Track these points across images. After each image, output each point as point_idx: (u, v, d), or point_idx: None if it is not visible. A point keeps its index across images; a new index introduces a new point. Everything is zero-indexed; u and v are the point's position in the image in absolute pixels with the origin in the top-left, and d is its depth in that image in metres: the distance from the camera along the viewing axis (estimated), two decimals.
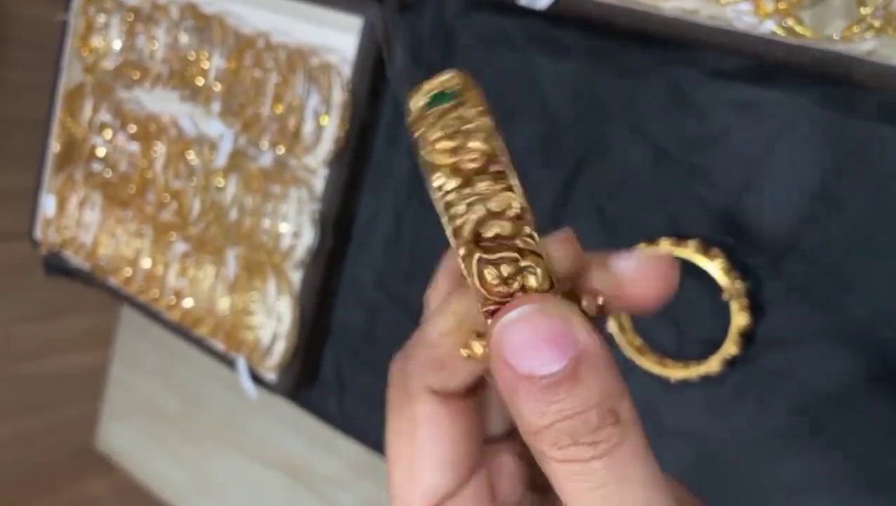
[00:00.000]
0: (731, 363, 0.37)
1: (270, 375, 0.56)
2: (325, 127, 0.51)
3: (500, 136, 0.15)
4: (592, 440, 0.13)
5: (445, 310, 0.16)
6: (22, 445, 0.92)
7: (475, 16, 0.46)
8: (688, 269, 0.38)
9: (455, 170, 0.15)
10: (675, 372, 0.38)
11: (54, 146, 0.68)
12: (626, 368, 0.40)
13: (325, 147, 0.51)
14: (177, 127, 0.60)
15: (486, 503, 0.17)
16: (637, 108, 0.40)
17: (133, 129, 0.62)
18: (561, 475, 0.14)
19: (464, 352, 0.15)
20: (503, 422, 0.17)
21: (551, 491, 0.15)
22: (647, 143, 0.40)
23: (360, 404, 0.53)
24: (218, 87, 0.56)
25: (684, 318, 0.39)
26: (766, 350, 0.37)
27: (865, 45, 0.34)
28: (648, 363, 0.39)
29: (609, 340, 0.40)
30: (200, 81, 0.57)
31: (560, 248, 0.15)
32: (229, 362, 0.57)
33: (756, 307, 0.37)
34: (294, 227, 0.53)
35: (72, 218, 0.67)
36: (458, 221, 0.14)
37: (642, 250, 0.15)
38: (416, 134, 0.15)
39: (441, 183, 0.15)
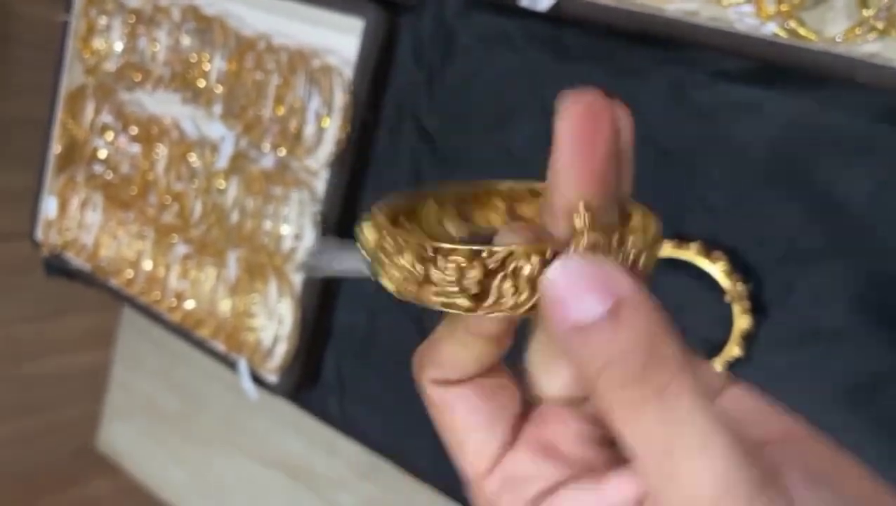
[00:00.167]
0: (733, 365, 0.37)
1: (271, 377, 0.55)
2: (326, 129, 0.51)
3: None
4: (643, 381, 0.14)
5: (449, 318, 0.17)
6: (23, 445, 0.92)
7: (475, 16, 0.46)
8: (690, 271, 0.38)
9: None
10: None
11: (55, 148, 0.68)
12: None
13: (327, 149, 0.51)
14: (178, 129, 0.60)
15: (543, 460, 0.17)
16: (638, 109, 0.40)
17: (134, 131, 0.62)
18: (618, 419, 0.14)
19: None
20: (560, 384, 0.18)
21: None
22: (649, 144, 0.40)
23: (361, 405, 0.53)
24: (219, 89, 0.56)
25: (687, 320, 0.39)
26: (768, 352, 0.37)
27: (868, 47, 0.34)
28: None
29: None
30: (202, 83, 0.57)
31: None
32: (230, 364, 0.57)
33: (758, 309, 0.37)
34: (295, 229, 0.53)
35: (73, 220, 0.67)
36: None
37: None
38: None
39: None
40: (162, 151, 0.61)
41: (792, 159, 0.37)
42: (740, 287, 0.37)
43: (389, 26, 0.49)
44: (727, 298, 0.37)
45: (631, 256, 0.16)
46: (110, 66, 0.63)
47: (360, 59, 0.49)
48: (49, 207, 0.69)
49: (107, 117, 0.64)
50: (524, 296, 0.15)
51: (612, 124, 0.15)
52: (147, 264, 0.62)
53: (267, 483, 0.82)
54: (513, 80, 0.45)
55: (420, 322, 0.49)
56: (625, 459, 0.16)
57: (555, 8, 0.41)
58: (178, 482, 0.91)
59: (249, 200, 0.55)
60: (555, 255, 0.15)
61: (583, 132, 0.15)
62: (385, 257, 0.16)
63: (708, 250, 0.38)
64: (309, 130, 0.52)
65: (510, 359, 0.18)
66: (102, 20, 0.63)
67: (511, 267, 0.15)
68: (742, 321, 0.37)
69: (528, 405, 0.18)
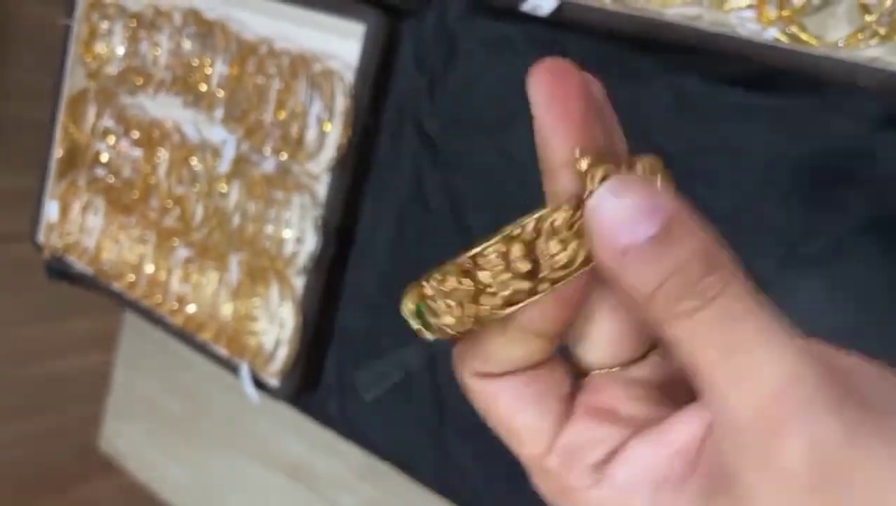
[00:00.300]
0: None
1: (273, 381, 0.56)
2: (327, 133, 0.51)
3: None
4: (699, 291, 0.14)
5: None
6: (25, 446, 0.92)
7: (477, 21, 0.46)
8: None
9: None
10: None
11: (57, 152, 0.69)
12: None
13: (328, 153, 0.51)
14: (180, 133, 0.60)
15: (602, 424, 0.17)
16: (640, 113, 0.40)
17: (136, 135, 0.62)
18: (678, 332, 0.14)
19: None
20: (605, 350, 0.18)
21: (681, 396, 0.16)
22: (650, 148, 0.40)
23: (362, 408, 0.54)
24: (221, 94, 0.56)
25: None
26: None
27: (869, 52, 0.34)
28: None
29: None
30: (203, 87, 0.57)
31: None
32: (232, 368, 0.57)
33: None
34: (297, 233, 0.53)
35: (75, 223, 0.68)
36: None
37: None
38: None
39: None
40: (163, 154, 0.61)
41: (793, 164, 0.37)
42: None
43: (391, 31, 0.49)
44: None
45: None
46: (112, 70, 0.64)
47: (362, 64, 0.49)
48: (51, 210, 0.69)
49: (108, 121, 0.64)
50: (573, 245, 0.15)
51: (578, 79, 0.16)
52: (149, 268, 0.62)
53: (268, 484, 0.83)
54: (514, 85, 0.45)
55: None
56: (683, 406, 0.16)
57: (556, 13, 0.41)
58: (180, 483, 0.92)
59: (251, 204, 0.55)
60: (580, 202, 0.15)
61: (554, 90, 0.16)
62: (432, 303, 0.16)
63: None
64: (310, 134, 0.52)
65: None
66: (104, 24, 0.63)
67: (547, 224, 0.15)
68: None
69: (576, 381, 0.18)
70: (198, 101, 0.58)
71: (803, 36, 0.35)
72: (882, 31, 0.34)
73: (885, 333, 0.35)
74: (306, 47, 0.52)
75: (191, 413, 0.90)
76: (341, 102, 0.50)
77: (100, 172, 0.66)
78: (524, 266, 0.15)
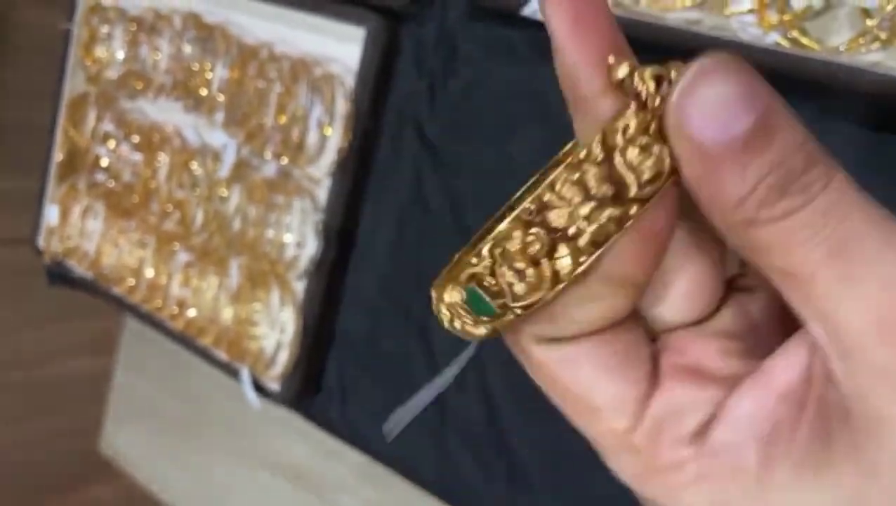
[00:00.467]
0: None
1: (273, 385, 0.55)
2: (328, 137, 0.51)
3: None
4: (803, 185, 0.12)
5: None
6: (26, 449, 0.92)
7: (478, 25, 0.46)
8: None
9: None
10: None
11: (57, 155, 0.68)
12: None
13: (329, 157, 0.51)
14: (180, 137, 0.60)
15: (696, 385, 0.15)
16: None
17: (136, 139, 0.62)
18: (778, 241, 0.13)
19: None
20: (681, 305, 0.16)
21: (771, 342, 0.14)
22: None
23: (363, 412, 0.53)
24: (221, 98, 0.56)
25: None
26: None
27: (871, 57, 0.34)
28: None
29: None
30: (204, 92, 0.57)
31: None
32: (233, 372, 0.57)
33: None
34: (297, 237, 0.53)
35: (75, 227, 0.68)
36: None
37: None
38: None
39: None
40: (164, 159, 0.61)
41: None
42: None
43: (391, 35, 0.49)
44: None
45: None
46: (112, 74, 0.64)
47: (362, 68, 0.49)
48: (51, 214, 0.69)
49: (108, 125, 0.64)
50: (656, 150, 0.13)
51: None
52: (149, 272, 0.62)
53: (269, 488, 0.82)
54: (515, 89, 0.45)
55: (424, 331, 0.49)
56: (776, 347, 0.14)
57: None
58: (181, 487, 0.91)
59: (251, 209, 0.55)
60: (642, 104, 0.13)
61: (578, 8, 0.13)
62: (490, 280, 0.13)
63: None
64: (311, 138, 0.52)
65: None
66: (104, 28, 0.63)
67: (618, 136, 0.13)
68: None
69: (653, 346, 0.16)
70: (198, 105, 0.58)
71: (804, 41, 0.35)
72: (883, 35, 0.33)
73: None
74: (307, 51, 0.52)
75: (192, 416, 0.90)
76: (342, 106, 0.50)
77: (100, 176, 0.66)
78: (607, 188, 0.13)
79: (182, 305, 0.60)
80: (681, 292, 0.15)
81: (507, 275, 0.13)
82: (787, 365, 0.14)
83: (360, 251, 0.52)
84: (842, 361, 0.13)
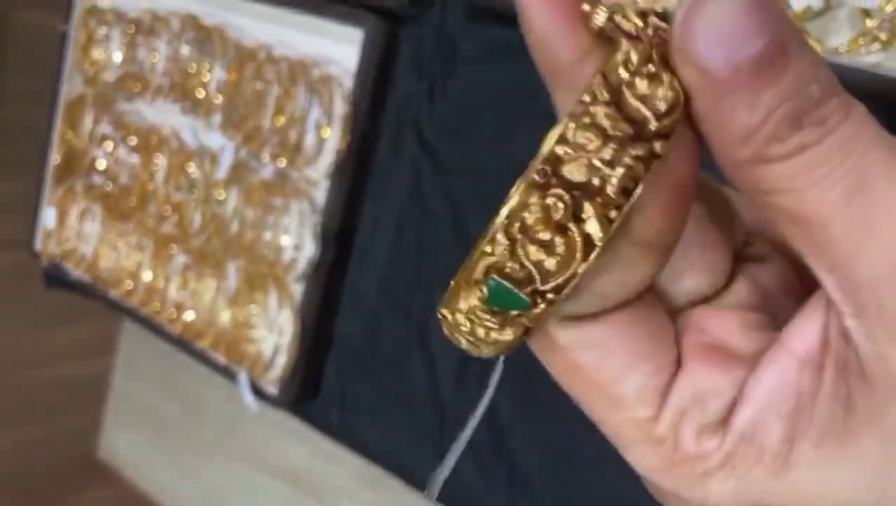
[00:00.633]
0: None
1: (272, 388, 0.55)
2: (326, 139, 0.51)
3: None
4: (820, 117, 0.11)
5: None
6: (24, 453, 0.91)
7: (477, 26, 0.46)
8: None
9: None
10: None
11: (54, 158, 0.68)
12: None
13: (327, 159, 0.51)
14: (178, 139, 0.60)
15: (720, 365, 0.14)
16: None
17: (134, 141, 0.62)
18: (790, 181, 0.11)
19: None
20: (696, 280, 0.15)
21: (790, 308, 0.13)
22: None
23: (362, 416, 0.53)
24: (219, 100, 0.56)
25: None
26: None
27: (871, 58, 0.34)
28: None
29: None
30: (201, 93, 0.57)
31: None
32: (230, 375, 0.57)
33: None
34: (295, 239, 0.53)
35: (72, 230, 0.67)
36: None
37: None
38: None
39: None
40: (161, 161, 0.60)
41: None
42: None
43: (389, 36, 0.49)
44: None
45: None
46: (109, 76, 0.63)
47: (360, 69, 0.49)
48: (48, 217, 0.68)
49: (106, 128, 0.64)
50: (665, 77, 0.11)
51: None
52: (146, 275, 0.62)
53: (268, 491, 0.82)
54: (514, 90, 0.45)
55: (423, 334, 0.49)
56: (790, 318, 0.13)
57: None
58: (180, 491, 0.91)
59: (249, 211, 0.55)
60: (634, 39, 0.12)
61: None
62: (512, 264, 0.12)
63: None
64: (309, 140, 0.52)
65: None
66: (101, 30, 0.63)
67: (621, 69, 0.11)
68: None
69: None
70: (196, 107, 0.58)
71: None
72: (883, 36, 0.33)
73: None
74: (305, 53, 0.52)
75: (191, 420, 0.90)
76: (340, 108, 0.50)
77: (97, 178, 0.65)
78: (626, 126, 0.11)
79: (180, 308, 0.60)
80: (692, 265, 0.14)
81: (532, 252, 0.12)
82: (803, 331, 0.13)
83: (359, 253, 0.52)
84: (857, 317, 0.12)
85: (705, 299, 0.15)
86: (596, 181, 0.11)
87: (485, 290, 0.12)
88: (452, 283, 0.12)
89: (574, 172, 0.11)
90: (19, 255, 0.73)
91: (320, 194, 0.52)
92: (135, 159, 0.62)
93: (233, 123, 0.55)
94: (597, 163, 0.11)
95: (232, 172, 0.56)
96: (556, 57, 0.13)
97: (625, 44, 0.12)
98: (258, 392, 0.56)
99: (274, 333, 0.55)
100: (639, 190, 0.11)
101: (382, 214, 0.51)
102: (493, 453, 0.46)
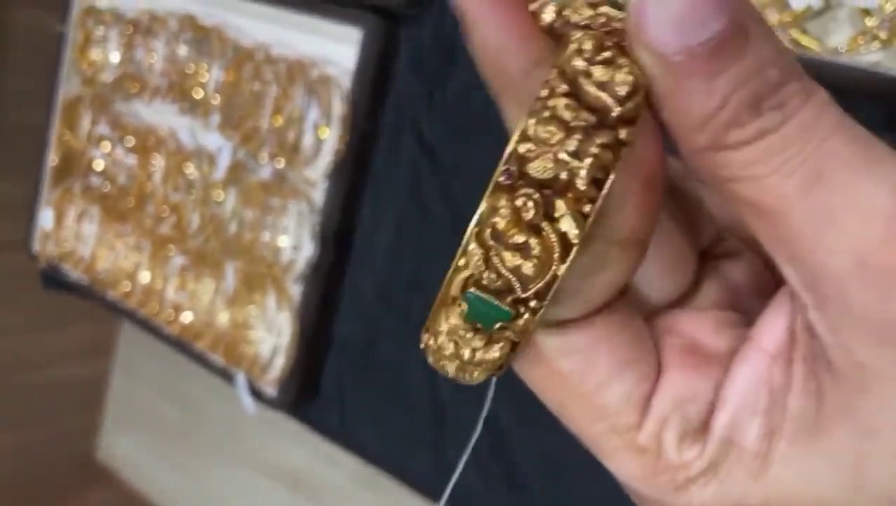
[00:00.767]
0: None
1: (270, 390, 0.55)
2: (324, 139, 0.51)
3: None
4: (779, 101, 0.11)
5: None
6: (22, 455, 0.91)
7: None
8: None
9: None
10: None
11: (52, 159, 0.68)
12: None
13: (325, 159, 0.51)
14: (175, 140, 0.60)
15: (698, 368, 0.13)
16: None
17: (131, 141, 0.62)
18: (749, 168, 0.11)
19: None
20: (671, 279, 0.14)
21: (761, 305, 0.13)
22: None
23: (361, 417, 0.53)
24: (217, 100, 0.56)
25: None
26: None
27: (871, 57, 0.34)
28: None
29: None
30: (199, 94, 0.57)
31: None
32: (229, 377, 0.57)
33: None
34: (294, 240, 0.53)
35: (70, 231, 0.67)
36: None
37: None
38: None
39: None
40: (159, 161, 0.60)
41: None
42: None
43: (388, 36, 0.48)
44: None
45: None
46: (107, 76, 0.63)
47: (359, 69, 0.49)
48: (45, 218, 0.68)
49: (103, 128, 0.64)
50: (623, 61, 0.11)
51: None
52: (144, 276, 0.62)
53: (267, 492, 0.82)
54: None
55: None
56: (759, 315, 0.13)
57: None
58: (178, 493, 0.91)
59: (247, 212, 0.55)
60: (584, 29, 0.11)
61: None
62: (489, 275, 0.11)
63: None
64: (307, 140, 0.52)
65: None
66: (99, 31, 0.63)
67: (577, 59, 0.11)
68: None
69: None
70: (193, 107, 0.58)
71: (804, 40, 0.35)
72: (883, 35, 0.33)
73: None
74: (303, 53, 0.52)
75: (189, 422, 0.89)
76: (338, 108, 0.50)
77: (95, 179, 0.65)
78: (588, 115, 0.11)
79: (178, 309, 0.60)
80: (661, 267, 0.14)
81: (508, 258, 0.11)
82: (771, 326, 0.13)
83: (358, 254, 0.52)
84: (819, 309, 0.11)
85: (678, 301, 0.15)
86: (564, 175, 0.11)
87: (464, 305, 0.12)
88: (432, 309, 0.12)
89: (540, 168, 0.11)
90: (17, 256, 0.73)
91: (319, 195, 0.52)
92: (132, 160, 0.62)
93: (231, 124, 0.55)
94: (563, 156, 0.11)
95: (230, 173, 0.56)
96: (509, 65, 0.12)
97: (577, 34, 0.11)
98: (257, 394, 0.56)
99: (273, 334, 0.54)
100: (610, 180, 0.11)
101: (381, 214, 0.51)
102: (493, 454, 0.46)
